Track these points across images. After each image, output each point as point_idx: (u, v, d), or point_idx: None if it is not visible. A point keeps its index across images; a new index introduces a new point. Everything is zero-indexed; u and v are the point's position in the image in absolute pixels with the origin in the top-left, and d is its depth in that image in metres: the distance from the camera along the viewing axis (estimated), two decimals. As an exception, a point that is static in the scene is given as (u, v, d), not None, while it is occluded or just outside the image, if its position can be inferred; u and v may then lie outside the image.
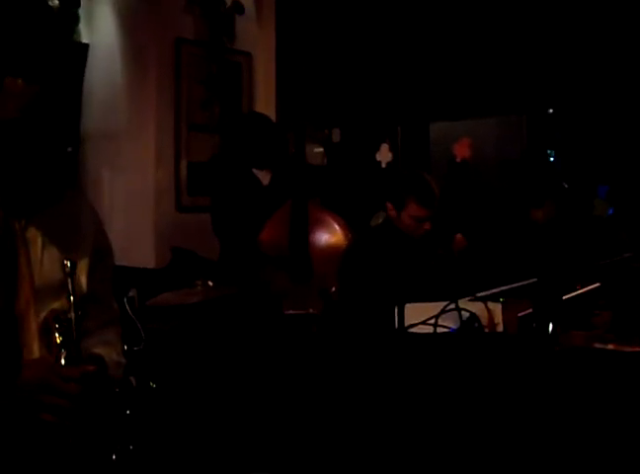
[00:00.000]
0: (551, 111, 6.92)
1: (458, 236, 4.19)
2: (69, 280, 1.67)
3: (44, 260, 1.74)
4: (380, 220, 3.18)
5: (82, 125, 4.99)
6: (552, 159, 7.57)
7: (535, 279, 2.83)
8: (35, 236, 1.74)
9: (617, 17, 6.13)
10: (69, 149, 2.09)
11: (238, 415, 2.92)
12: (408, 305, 2.36)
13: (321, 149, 6.40)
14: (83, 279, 1.80)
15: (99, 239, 1.90)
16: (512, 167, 6.47)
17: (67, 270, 1.68)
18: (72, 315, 1.69)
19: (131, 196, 4.78)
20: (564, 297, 2.75)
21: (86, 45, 4.93)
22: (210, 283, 3.22)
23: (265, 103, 5.25)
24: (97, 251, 1.87)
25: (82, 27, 4.87)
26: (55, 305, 1.72)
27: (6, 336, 1.67)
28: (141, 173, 4.73)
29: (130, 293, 3.68)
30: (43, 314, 1.71)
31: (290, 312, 3.72)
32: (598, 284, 3.15)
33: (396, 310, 2.34)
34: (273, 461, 2.21)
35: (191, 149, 4.80)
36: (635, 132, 6.34)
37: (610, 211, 5.92)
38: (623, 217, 5.39)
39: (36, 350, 1.69)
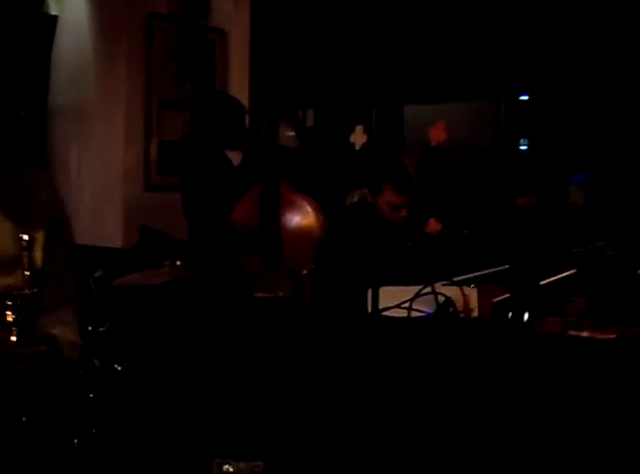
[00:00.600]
0: (526, 97, 6.91)
1: (432, 220, 4.14)
2: (25, 255, 1.58)
3: None
4: (355, 199, 3.12)
5: (49, 100, 4.87)
6: (525, 147, 7.58)
7: (510, 266, 2.79)
8: None
9: (593, 1, 6.12)
10: (22, 113, 1.98)
11: (205, 398, 2.86)
12: (383, 289, 2.31)
13: (293, 133, 6.33)
14: (38, 254, 1.71)
15: (55, 211, 1.81)
16: (484, 154, 6.46)
17: (24, 244, 1.59)
18: (27, 291, 1.60)
19: (100, 173, 4.68)
20: (540, 283, 2.71)
21: (55, 17, 4.81)
22: (178, 263, 3.13)
23: (238, 82, 5.16)
24: (53, 223, 1.78)
25: (51, -2, 4.75)
26: (9, 281, 1.63)
27: None
28: (110, 150, 4.63)
29: (97, 274, 3.58)
30: None
31: (260, 295, 3.65)
32: (572, 271, 3.12)
33: (370, 293, 2.28)
34: (238, 447, 2.15)
35: (161, 127, 4.70)
36: (612, 119, 6.34)
37: (582, 199, 5.92)
38: (599, 205, 5.39)
39: None
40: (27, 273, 1.59)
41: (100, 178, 4.67)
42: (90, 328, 3.01)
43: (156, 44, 4.68)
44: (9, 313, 1.60)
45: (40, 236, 1.72)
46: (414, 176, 3.30)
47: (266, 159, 3.96)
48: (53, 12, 4.82)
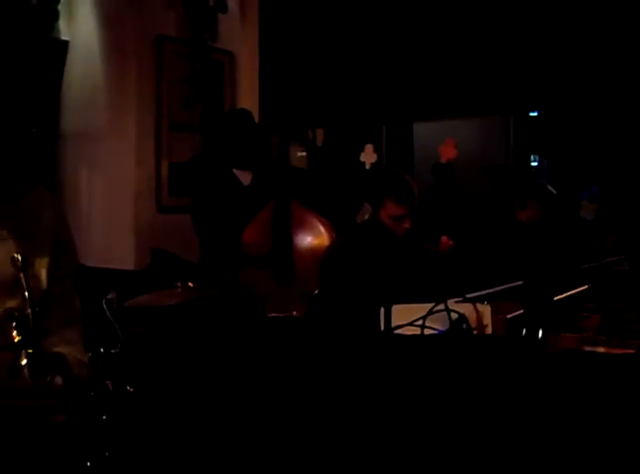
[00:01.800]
0: (536, 113, 6.90)
1: (444, 238, 4.12)
2: (22, 276, 1.58)
3: None
4: (367, 217, 3.11)
5: (61, 124, 4.90)
6: (535, 164, 7.56)
7: (524, 282, 2.78)
8: None
9: (604, 18, 6.12)
10: (33, 130, 1.99)
11: (217, 419, 2.84)
12: (395, 306, 2.29)
13: (304, 153, 6.34)
14: (43, 276, 1.71)
15: (60, 233, 1.81)
16: (495, 172, 6.45)
17: (19, 264, 1.58)
18: (29, 311, 1.59)
19: (111, 196, 4.69)
20: (554, 299, 2.69)
21: (65, 42, 4.84)
22: (191, 285, 3.13)
23: (247, 103, 5.17)
24: (57, 245, 1.77)
25: (62, 23, 4.78)
26: (11, 303, 1.63)
27: None
28: (121, 172, 4.64)
29: (110, 296, 3.58)
30: None
31: (273, 315, 3.64)
32: (586, 287, 3.10)
33: (382, 311, 2.26)
34: (252, 466, 2.13)
35: (172, 149, 4.71)
36: (623, 132, 6.32)
37: (594, 214, 5.88)
38: (610, 220, 5.37)
39: None
40: (26, 293, 1.58)
41: (111, 200, 4.68)
42: (102, 350, 3.01)
43: (166, 67, 4.70)
44: (14, 334, 1.59)
45: (44, 260, 1.71)
46: (414, 187, 3.30)
47: (277, 179, 3.96)
48: (64, 37, 4.85)
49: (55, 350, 1.72)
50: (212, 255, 4.04)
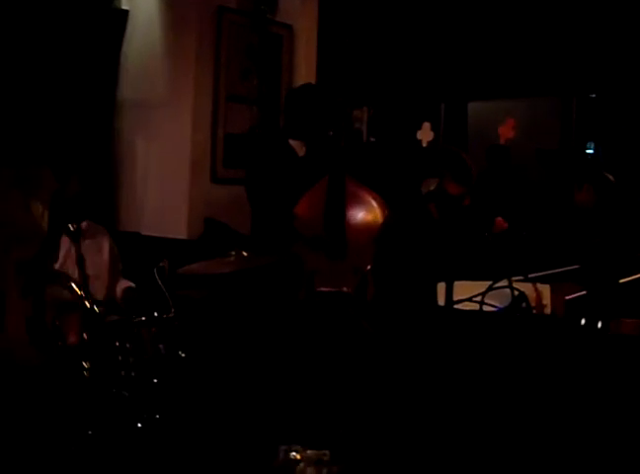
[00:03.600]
0: (594, 95, 6.73)
1: (498, 219, 4.06)
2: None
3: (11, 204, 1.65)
4: (432, 187, 3.07)
5: (119, 93, 4.93)
6: (591, 151, 7.39)
7: (584, 265, 2.72)
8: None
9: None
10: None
11: (267, 386, 2.85)
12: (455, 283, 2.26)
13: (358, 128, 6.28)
14: (43, 221, 1.72)
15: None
16: (548, 157, 6.32)
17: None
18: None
19: (166, 165, 4.72)
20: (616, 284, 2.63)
21: (126, 12, 4.87)
22: (244, 254, 3.14)
23: (305, 77, 5.14)
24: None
25: (122, -7, 4.82)
26: (22, 252, 1.65)
27: None
28: (177, 142, 4.66)
29: (161, 264, 3.61)
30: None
31: (322, 289, 3.62)
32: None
33: (444, 286, 2.23)
34: (302, 434, 2.13)
35: (228, 120, 4.71)
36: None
37: None
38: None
39: (12, 294, 1.62)
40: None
41: (166, 169, 4.71)
42: (156, 314, 3.04)
43: (225, 38, 4.69)
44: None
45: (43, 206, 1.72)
46: (472, 166, 3.27)
47: (332, 154, 3.93)
48: (124, 7, 4.88)
49: None
50: (265, 226, 4.03)
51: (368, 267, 3.57)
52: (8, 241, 1.57)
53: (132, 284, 3.88)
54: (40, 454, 1.74)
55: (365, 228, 3.77)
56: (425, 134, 6.31)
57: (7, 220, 1.60)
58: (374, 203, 3.87)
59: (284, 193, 3.91)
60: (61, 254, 3.46)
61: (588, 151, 7.56)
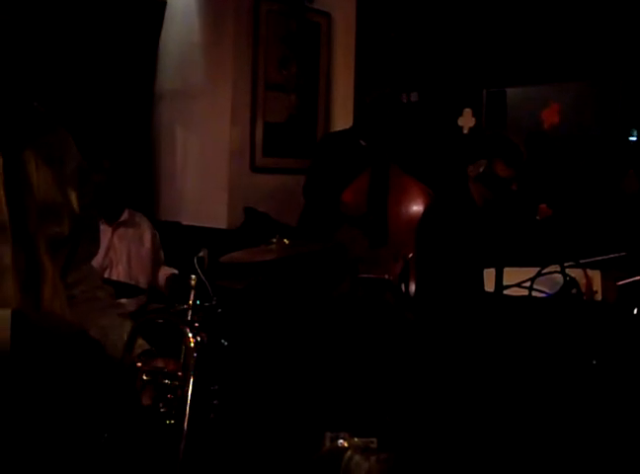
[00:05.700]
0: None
1: (543, 206, 4.00)
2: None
3: (40, 181, 1.64)
4: (481, 170, 3.02)
5: (157, 84, 4.94)
6: (634, 138, 7.24)
7: (632, 250, 2.65)
8: (29, 157, 1.63)
9: None
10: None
11: (309, 374, 2.83)
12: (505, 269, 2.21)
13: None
14: (74, 201, 1.70)
15: (81, 163, 1.78)
16: (591, 143, 6.21)
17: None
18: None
19: (205, 155, 4.71)
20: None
21: (163, 3, 4.88)
22: (286, 241, 3.11)
23: (343, 65, 5.11)
24: (80, 172, 1.75)
25: (160, -17, 4.81)
26: (55, 229, 1.64)
27: (27, 255, 1.58)
28: (216, 132, 4.65)
29: (201, 253, 3.61)
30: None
31: (365, 276, 3.61)
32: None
33: (494, 272, 2.19)
34: (347, 422, 2.10)
35: (267, 109, 4.68)
36: None
37: None
38: None
39: (48, 267, 1.60)
40: None
41: (205, 159, 4.71)
42: (198, 302, 3.02)
43: (262, 26, 4.66)
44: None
45: (73, 186, 1.71)
46: (522, 149, 3.21)
47: (377, 143, 3.91)
48: (162, -2, 4.89)
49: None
50: (314, 213, 4.00)
51: (410, 254, 3.55)
52: (43, 217, 1.57)
53: (175, 271, 3.88)
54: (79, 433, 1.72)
55: (408, 217, 3.75)
56: (466, 121, 6.23)
57: (45, 198, 1.60)
58: (418, 193, 3.85)
59: (342, 183, 3.88)
60: (103, 244, 3.47)
61: (631, 138, 7.42)
